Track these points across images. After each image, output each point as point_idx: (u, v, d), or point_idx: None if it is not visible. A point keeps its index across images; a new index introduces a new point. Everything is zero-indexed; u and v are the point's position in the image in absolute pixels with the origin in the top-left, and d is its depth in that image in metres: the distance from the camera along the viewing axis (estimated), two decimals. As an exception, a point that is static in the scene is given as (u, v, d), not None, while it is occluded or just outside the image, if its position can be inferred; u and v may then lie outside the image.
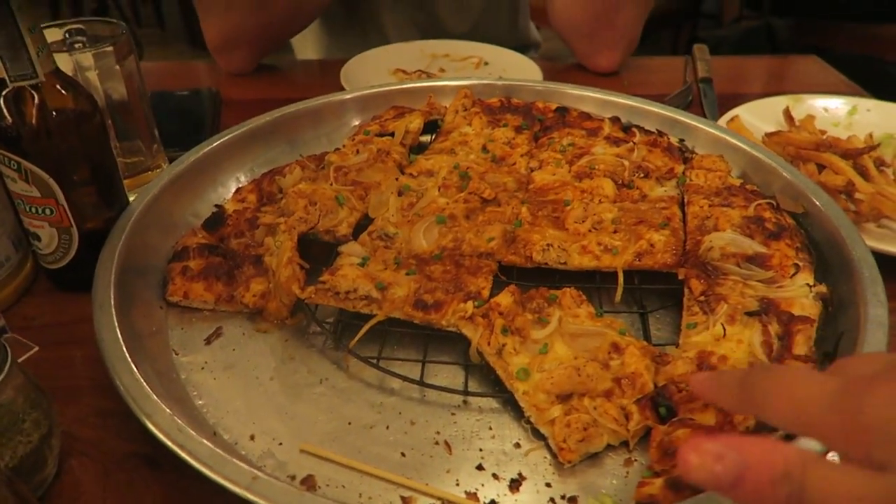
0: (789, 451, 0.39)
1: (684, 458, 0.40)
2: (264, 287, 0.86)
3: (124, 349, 0.70)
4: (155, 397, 0.65)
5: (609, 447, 0.68)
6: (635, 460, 0.68)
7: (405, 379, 0.76)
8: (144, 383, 0.66)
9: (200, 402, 0.74)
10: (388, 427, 0.72)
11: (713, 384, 0.50)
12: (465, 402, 0.75)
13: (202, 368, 0.78)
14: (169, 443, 0.61)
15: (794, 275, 0.80)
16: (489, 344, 0.75)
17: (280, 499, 0.56)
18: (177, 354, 0.80)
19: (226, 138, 1.05)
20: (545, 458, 0.68)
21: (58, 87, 0.78)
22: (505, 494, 0.65)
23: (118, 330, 0.72)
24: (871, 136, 1.15)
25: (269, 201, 1.00)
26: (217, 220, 0.95)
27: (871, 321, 0.70)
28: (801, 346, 0.72)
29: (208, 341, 0.82)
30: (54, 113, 0.78)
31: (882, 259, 0.81)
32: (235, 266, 0.89)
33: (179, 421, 0.62)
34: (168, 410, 0.63)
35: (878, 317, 0.71)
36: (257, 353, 0.81)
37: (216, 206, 0.99)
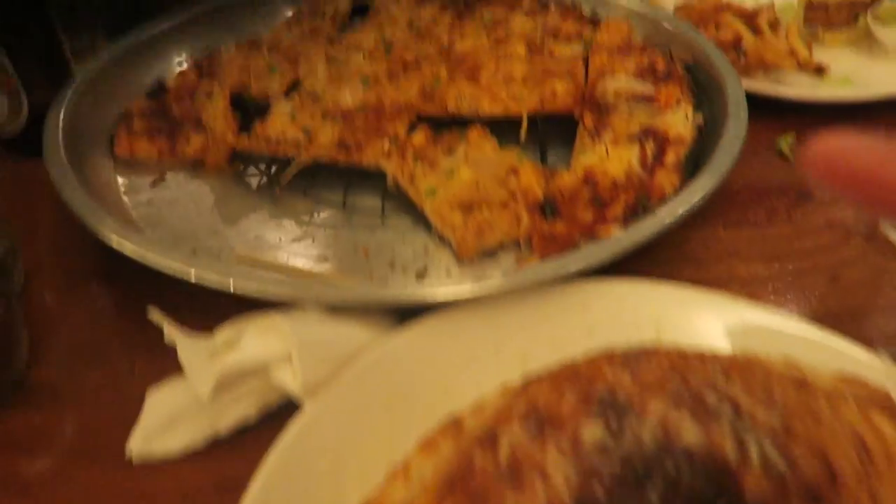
0: None
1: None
2: (203, 140, 0.94)
3: (76, 181, 0.79)
4: (104, 212, 0.74)
5: (504, 248, 0.79)
6: (527, 257, 0.78)
7: (329, 204, 0.86)
8: (96, 205, 0.75)
9: (148, 232, 0.83)
10: (313, 240, 0.82)
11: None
12: (382, 222, 0.85)
13: (147, 203, 0.87)
14: (113, 242, 0.70)
15: (675, 107, 0.90)
16: (403, 172, 0.85)
17: (219, 269, 0.66)
18: (125, 195, 0.89)
19: (166, 24, 1.12)
20: (449, 256, 0.79)
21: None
22: (412, 282, 0.75)
23: (71, 173, 0.81)
24: (773, 4, 1.24)
25: (207, 77, 1.07)
26: (159, 89, 1.03)
27: (730, 138, 0.81)
28: (671, 159, 0.82)
29: (154, 184, 0.91)
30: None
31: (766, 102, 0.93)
32: (177, 126, 0.97)
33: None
34: (115, 222, 0.72)
35: (737, 135, 0.82)
36: (198, 192, 0.90)
37: (157, 79, 1.06)
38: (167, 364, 0.65)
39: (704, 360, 0.47)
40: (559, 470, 0.40)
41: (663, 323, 0.63)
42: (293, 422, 0.56)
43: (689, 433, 0.40)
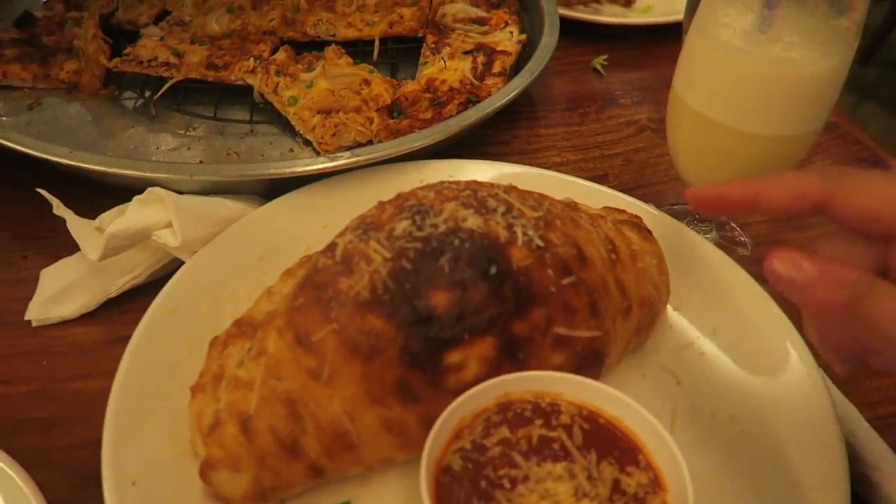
0: (860, 269, 0.40)
1: (770, 265, 0.41)
2: (77, 65, 1.01)
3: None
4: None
5: (360, 145, 0.92)
6: (379, 153, 0.92)
7: (203, 117, 0.95)
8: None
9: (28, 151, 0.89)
10: (189, 149, 0.92)
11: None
12: (251, 130, 0.95)
13: (27, 125, 0.93)
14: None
15: (503, 28, 1.06)
16: (267, 85, 0.96)
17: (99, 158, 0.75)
18: (3, 117, 0.94)
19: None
20: (311, 156, 0.91)
21: None
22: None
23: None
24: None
25: (75, 8, 1.13)
26: (27, 18, 1.08)
27: (542, 48, 0.97)
28: (497, 67, 0.98)
29: (31, 107, 0.97)
30: None
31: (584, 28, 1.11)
32: (49, 53, 1.03)
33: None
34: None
35: (548, 45, 0.98)
36: (76, 113, 0.97)
37: (25, 10, 1.10)
38: (57, 252, 0.74)
39: (494, 184, 0.62)
40: (378, 254, 0.53)
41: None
42: (177, 273, 0.67)
43: (472, 221, 0.55)
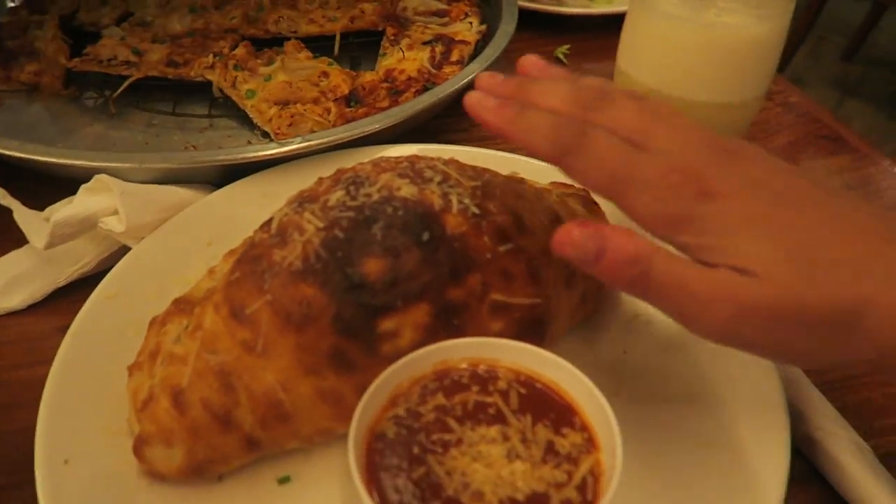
0: (641, 242, 0.41)
1: (559, 240, 0.43)
2: (37, 66, 1.01)
3: None
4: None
5: (318, 136, 0.91)
6: (337, 143, 0.92)
7: (163, 113, 0.96)
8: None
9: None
10: (147, 143, 0.92)
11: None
12: (210, 124, 0.96)
13: (-15, 125, 0.93)
14: None
15: (464, 19, 1.06)
16: (225, 79, 0.96)
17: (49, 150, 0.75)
18: (-39, 118, 0.94)
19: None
20: (268, 146, 0.90)
21: None
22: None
23: None
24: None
25: (38, 12, 1.13)
26: (-10, 23, 1.08)
27: (499, 34, 0.98)
28: (455, 56, 0.98)
29: (-10, 109, 0.97)
30: None
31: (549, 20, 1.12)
32: (11, 57, 1.03)
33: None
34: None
35: (506, 32, 0.98)
36: (36, 114, 0.97)
37: (-13, 15, 1.11)
38: (6, 246, 0.74)
39: (434, 158, 0.62)
40: (312, 224, 0.53)
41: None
42: (123, 258, 0.67)
43: (406, 190, 0.54)
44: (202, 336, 0.53)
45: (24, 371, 0.65)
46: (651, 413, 0.59)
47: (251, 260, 0.55)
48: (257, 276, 0.53)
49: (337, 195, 0.55)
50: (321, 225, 0.53)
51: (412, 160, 0.60)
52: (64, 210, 0.67)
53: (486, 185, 0.59)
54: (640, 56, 0.68)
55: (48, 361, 0.58)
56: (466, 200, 0.56)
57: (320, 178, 0.60)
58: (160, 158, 0.75)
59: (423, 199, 0.55)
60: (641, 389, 0.60)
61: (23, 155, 0.75)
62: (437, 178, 0.57)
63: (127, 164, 0.73)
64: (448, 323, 0.53)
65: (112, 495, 0.51)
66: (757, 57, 0.64)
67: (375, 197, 0.54)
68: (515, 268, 0.56)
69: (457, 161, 0.62)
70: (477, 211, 0.56)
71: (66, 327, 0.62)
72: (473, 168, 0.62)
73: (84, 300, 0.64)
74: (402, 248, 0.52)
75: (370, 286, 0.51)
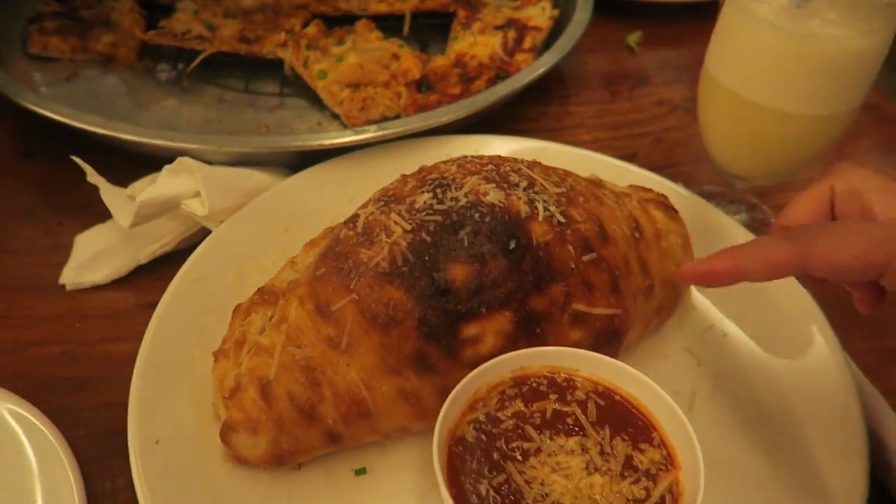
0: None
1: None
2: (113, 38, 1.02)
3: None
4: (26, 90, 0.83)
5: (387, 119, 0.92)
6: (407, 128, 0.92)
7: (234, 89, 0.96)
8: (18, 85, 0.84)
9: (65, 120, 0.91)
10: (220, 121, 0.93)
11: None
12: (281, 103, 0.96)
13: (66, 95, 0.95)
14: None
15: (536, 3, 1.04)
16: (297, 59, 0.96)
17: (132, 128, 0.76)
18: (43, 87, 0.97)
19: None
20: (340, 129, 0.91)
21: None
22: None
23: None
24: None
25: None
26: (67, -8, 1.10)
27: (574, 24, 0.96)
28: (528, 43, 0.97)
29: (69, 79, 0.99)
30: None
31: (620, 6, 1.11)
32: (87, 27, 1.05)
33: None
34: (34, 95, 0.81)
35: (580, 21, 0.97)
36: (112, 85, 0.99)
37: (66, -17, 1.12)
38: (91, 219, 0.76)
39: (517, 160, 0.62)
40: (398, 226, 0.54)
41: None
42: (204, 241, 0.68)
43: (493, 196, 0.55)
44: (287, 329, 0.54)
45: (108, 346, 0.67)
46: (725, 427, 0.59)
47: (336, 257, 0.56)
48: (343, 274, 0.54)
49: (424, 198, 0.55)
50: (408, 227, 0.54)
51: (497, 162, 0.60)
52: (148, 191, 0.69)
53: (570, 191, 0.59)
54: (731, 61, 0.67)
55: (132, 338, 0.61)
56: (552, 208, 0.56)
57: (404, 176, 0.60)
58: (239, 143, 0.76)
59: (510, 205, 0.55)
60: (716, 402, 0.60)
61: (109, 133, 0.76)
62: (523, 184, 0.57)
63: (208, 147, 0.75)
64: (529, 331, 0.53)
65: (199, 476, 0.53)
66: (857, 70, 0.61)
67: (462, 201, 0.54)
68: (598, 278, 0.56)
69: (540, 164, 0.62)
70: (562, 219, 0.55)
71: (148, 304, 0.64)
72: (556, 171, 0.62)
73: (164, 278, 0.66)
74: (488, 255, 0.52)
75: (455, 292, 0.52)
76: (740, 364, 0.62)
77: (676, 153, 0.93)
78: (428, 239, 0.53)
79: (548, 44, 0.98)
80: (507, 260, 0.53)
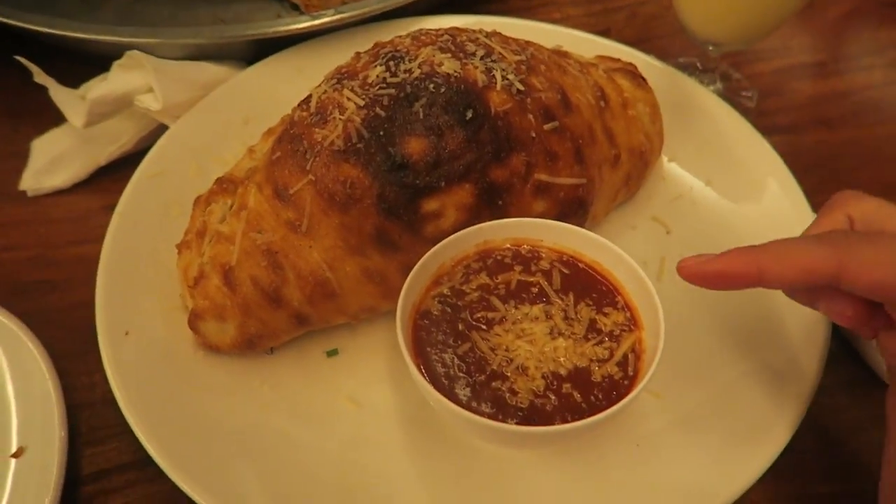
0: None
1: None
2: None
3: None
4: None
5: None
6: (370, 14, 0.87)
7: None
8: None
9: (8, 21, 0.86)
10: (175, 16, 0.88)
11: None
12: None
13: None
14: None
15: None
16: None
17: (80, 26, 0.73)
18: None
19: None
20: (299, 17, 0.87)
21: None
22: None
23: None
24: None
25: None
26: None
27: None
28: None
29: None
30: None
31: None
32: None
33: None
34: None
35: None
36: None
37: None
38: (47, 124, 0.74)
39: (476, 30, 0.59)
40: (352, 102, 0.52)
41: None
42: (163, 136, 0.66)
43: (448, 65, 0.52)
44: (247, 216, 0.53)
45: (75, 248, 0.66)
46: (693, 292, 0.59)
47: (291, 139, 0.54)
48: (299, 155, 0.53)
49: (376, 71, 0.53)
50: (361, 103, 0.52)
51: (453, 33, 0.57)
52: (99, 88, 0.66)
53: (531, 59, 0.57)
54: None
55: (97, 240, 0.60)
56: (511, 76, 0.54)
57: (357, 53, 0.58)
58: (191, 33, 0.72)
59: (466, 75, 0.53)
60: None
61: (53, 31, 0.73)
62: (480, 53, 0.55)
63: (157, 40, 0.72)
64: (491, 203, 0.52)
65: (171, 365, 0.54)
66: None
67: (416, 73, 0.52)
68: (560, 147, 0.55)
69: (500, 34, 0.60)
70: (521, 88, 0.54)
71: (112, 206, 0.63)
72: (517, 41, 0.60)
73: (126, 179, 0.65)
74: (444, 127, 0.51)
75: (413, 167, 0.50)
76: (709, 231, 0.62)
77: (651, 27, 0.89)
78: (382, 114, 0.51)
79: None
80: (464, 131, 0.51)
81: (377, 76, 0.53)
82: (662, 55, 0.79)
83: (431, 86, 0.52)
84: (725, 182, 0.65)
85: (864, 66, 0.85)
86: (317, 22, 0.73)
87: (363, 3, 0.76)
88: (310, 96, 0.56)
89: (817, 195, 0.61)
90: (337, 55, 0.73)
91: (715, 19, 0.68)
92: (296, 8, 0.88)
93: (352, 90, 0.53)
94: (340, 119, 0.52)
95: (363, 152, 0.51)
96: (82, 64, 0.76)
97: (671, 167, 0.67)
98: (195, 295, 0.52)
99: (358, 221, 0.51)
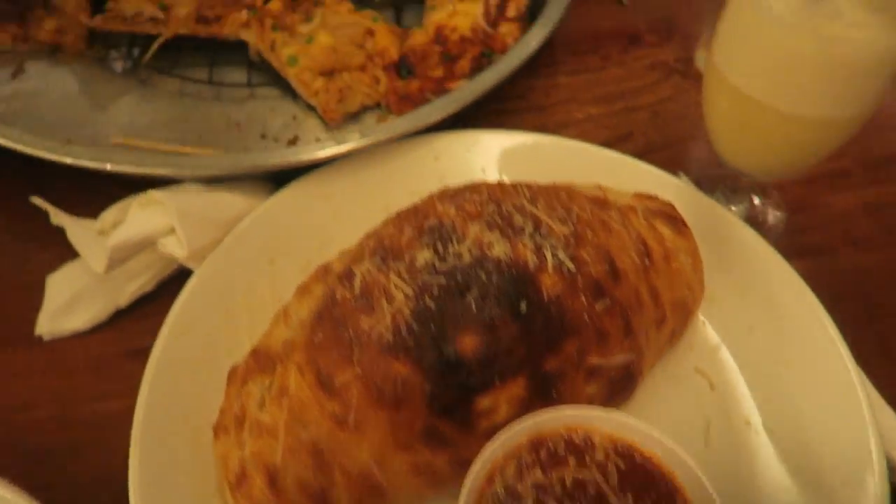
0: None
1: None
2: (57, 23, 0.93)
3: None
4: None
5: (367, 109, 0.85)
6: (388, 117, 0.85)
7: (197, 81, 0.89)
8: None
9: (18, 126, 0.83)
10: (187, 121, 0.86)
11: None
12: (251, 94, 0.89)
13: (12, 97, 0.87)
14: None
15: (518, -39, 0.95)
16: (264, 42, 0.88)
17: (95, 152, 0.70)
18: (-16, 89, 0.88)
19: None
20: (317, 123, 0.85)
21: None
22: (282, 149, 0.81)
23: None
24: None
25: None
26: (-3, -31, 0.98)
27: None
28: (513, 11, 0.89)
29: (14, 75, 0.90)
30: None
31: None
32: (27, 9, 0.94)
33: None
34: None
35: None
36: (62, 80, 0.90)
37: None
38: (60, 251, 0.71)
39: (517, 188, 0.57)
40: (399, 290, 0.50)
41: (503, 164, 0.73)
42: (186, 285, 0.64)
43: (498, 248, 0.51)
44: (289, 404, 0.51)
45: (98, 404, 0.64)
46: (740, 456, 0.58)
47: (334, 322, 0.52)
48: (344, 343, 0.51)
49: (424, 255, 0.51)
50: (410, 292, 0.50)
51: (497, 199, 0.56)
52: (120, 232, 0.64)
53: (577, 226, 0.55)
54: (739, 58, 0.61)
55: (121, 395, 0.58)
56: (560, 254, 0.52)
57: (398, 219, 0.56)
58: (214, 166, 0.70)
59: (517, 258, 0.51)
60: (731, 430, 0.59)
61: (69, 161, 0.70)
62: (529, 228, 0.53)
63: (181, 171, 0.69)
64: (545, 394, 0.51)
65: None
66: (879, 74, 0.57)
67: (466, 258, 0.51)
68: (611, 325, 0.53)
69: (543, 191, 0.58)
70: (572, 266, 0.52)
71: (133, 350, 0.61)
72: (559, 198, 0.58)
73: (146, 317, 0.64)
74: (498, 321, 0.49)
75: (466, 365, 0.49)
76: (753, 386, 0.61)
77: (675, 128, 0.88)
78: (433, 305, 0.49)
79: (531, 5, 0.90)
80: (518, 323, 0.49)
81: (425, 261, 0.51)
82: (687, 160, 0.78)
83: (483, 274, 0.50)
84: (765, 328, 0.64)
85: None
86: (342, 149, 0.71)
87: (389, 126, 0.74)
88: (352, 272, 0.54)
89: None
90: (358, 178, 0.72)
91: (750, 156, 0.67)
92: (312, 108, 0.85)
93: (398, 275, 0.51)
94: (388, 309, 0.50)
95: (414, 348, 0.49)
96: (98, 180, 0.73)
97: (710, 312, 0.65)
98: (238, 497, 0.50)
99: (408, 419, 0.49)
